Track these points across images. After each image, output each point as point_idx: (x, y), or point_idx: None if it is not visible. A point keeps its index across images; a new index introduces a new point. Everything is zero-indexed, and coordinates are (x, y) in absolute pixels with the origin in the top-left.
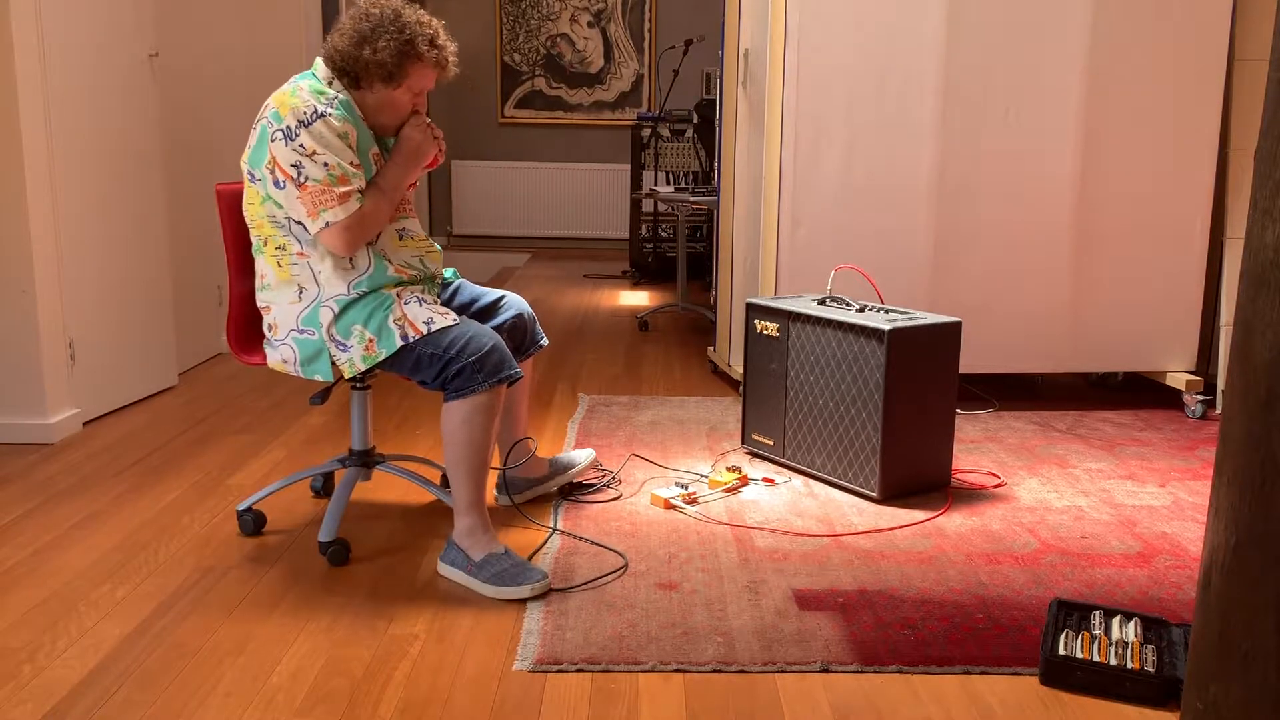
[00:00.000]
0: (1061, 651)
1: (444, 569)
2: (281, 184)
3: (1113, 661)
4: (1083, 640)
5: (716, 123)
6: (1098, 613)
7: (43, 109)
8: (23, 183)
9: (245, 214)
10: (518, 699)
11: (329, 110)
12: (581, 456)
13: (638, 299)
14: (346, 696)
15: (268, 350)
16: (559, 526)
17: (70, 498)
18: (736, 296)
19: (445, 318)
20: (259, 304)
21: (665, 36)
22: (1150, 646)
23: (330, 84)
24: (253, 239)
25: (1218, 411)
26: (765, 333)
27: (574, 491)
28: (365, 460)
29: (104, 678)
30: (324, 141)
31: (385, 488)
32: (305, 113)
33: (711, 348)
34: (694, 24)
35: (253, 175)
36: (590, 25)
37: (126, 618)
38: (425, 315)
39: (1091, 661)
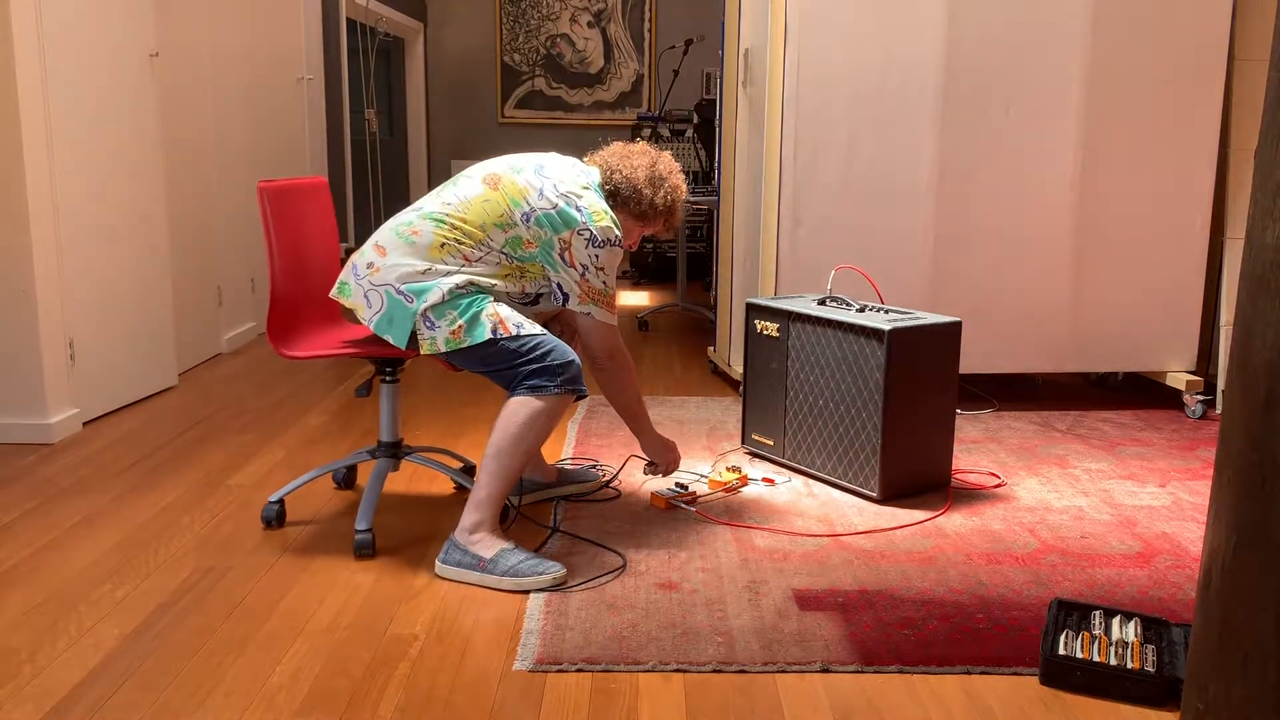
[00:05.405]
0: (1061, 651)
1: (447, 570)
2: (567, 264)
3: (1113, 661)
4: (1083, 640)
5: (716, 123)
6: (1098, 613)
7: (43, 109)
8: (23, 183)
9: (457, 206)
10: (518, 699)
11: (620, 244)
12: (592, 475)
13: (638, 299)
14: (346, 696)
15: (349, 281)
16: (559, 526)
17: (70, 498)
18: (736, 296)
19: (534, 326)
20: (378, 241)
21: (665, 36)
22: (1150, 646)
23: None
24: (437, 213)
25: (1218, 411)
26: (765, 333)
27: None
28: (394, 452)
29: (104, 678)
30: (609, 265)
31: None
32: (611, 238)
33: (711, 348)
34: (694, 24)
35: (528, 216)
36: (590, 25)
37: (126, 618)
38: (517, 319)
39: (1091, 661)
